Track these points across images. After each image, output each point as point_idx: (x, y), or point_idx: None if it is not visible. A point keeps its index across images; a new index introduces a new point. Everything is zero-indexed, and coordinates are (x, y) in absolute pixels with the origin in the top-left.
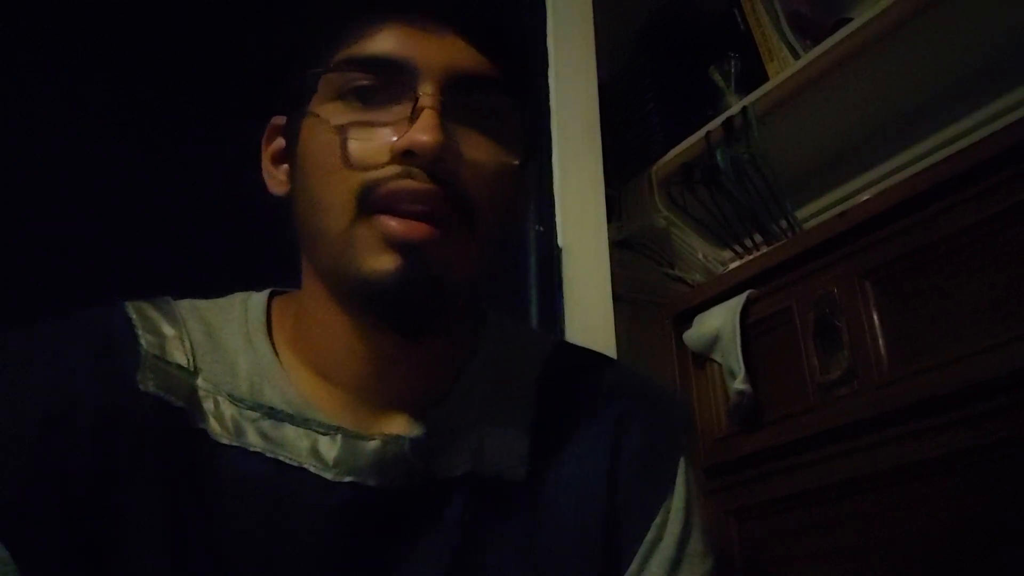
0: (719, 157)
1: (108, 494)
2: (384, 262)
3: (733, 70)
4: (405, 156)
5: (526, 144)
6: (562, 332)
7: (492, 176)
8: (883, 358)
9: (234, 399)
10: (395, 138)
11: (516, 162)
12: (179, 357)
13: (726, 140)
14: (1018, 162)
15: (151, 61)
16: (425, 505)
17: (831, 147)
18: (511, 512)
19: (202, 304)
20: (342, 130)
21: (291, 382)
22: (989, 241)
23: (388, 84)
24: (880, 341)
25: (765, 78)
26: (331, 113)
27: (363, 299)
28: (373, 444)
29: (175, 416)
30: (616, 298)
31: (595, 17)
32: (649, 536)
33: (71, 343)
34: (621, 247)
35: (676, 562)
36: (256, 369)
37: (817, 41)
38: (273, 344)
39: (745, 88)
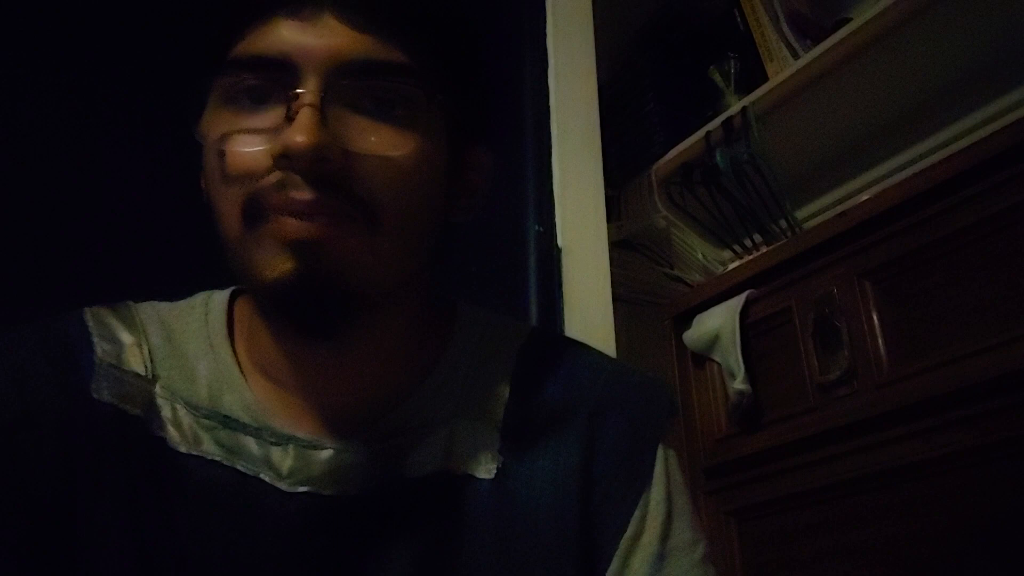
0: (719, 157)
1: (69, 503)
2: (279, 266)
3: (733, 70)
4: (283, 160)
5: (462, 131)
6: (562, 332)
7: (399, 169)
8: (883, 358)
9: (191, 407)
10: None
11: (432, 150)
12: (136, 365)
13: (726, 140)
14: (1018, 162)
15: (126, 58)
16: (392, 507)
17: (831, 147)
18: (483, 510)
19: (163, 307)
20: (224, 139)
21: (250, 388)
22: (989, 241)
23: (271, 86)
24: (880, 341)
25: (765, 78)
26: (216, 122)
27: (269, 304)
28: (326, 454)
29: (133, 425)
30: (616, 298)
31: (595, 17)
32: (628, 532)
33: (29, 352)
34: (621, 247)
35: (660, 557)
36: (216, 375)
37: (817, 41)
38: (234, 348)
39: (745, 88)
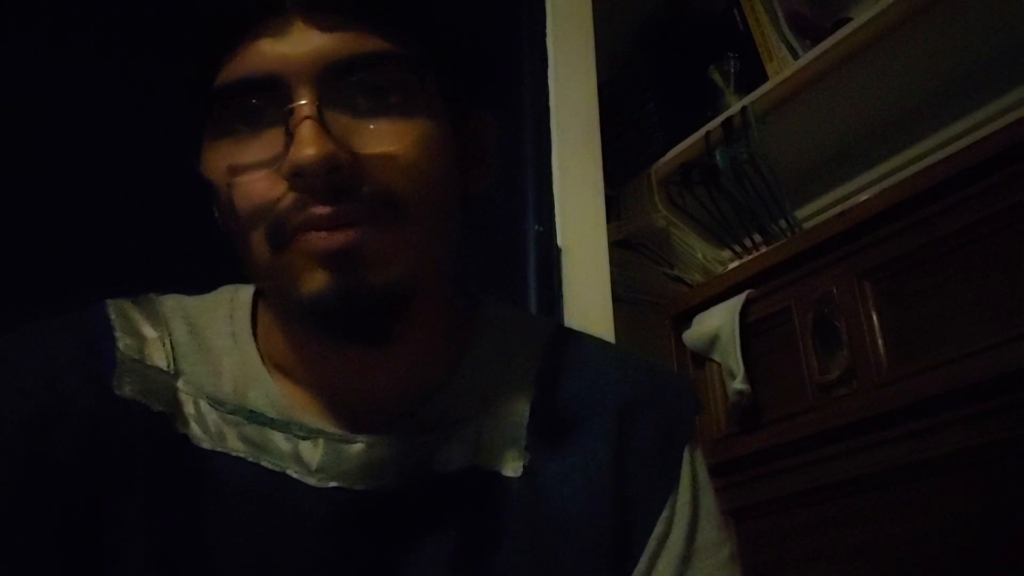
0: (718, 157)
1: (95, 500)
2: (314, 281)
3: (733, 70)
4: (296, 179)
5: (460, 101)
6: None
7: (410, 156)
8: (882, 358)
9: (215, 402)
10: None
11: (436, 129)
12: (159, 360)
13: (725, 140)
14: (1018, 162)
15: (146, 55)
16: (421, 503)
17: (831, 147)
18: (512, 507)
19: (188, 301)
20: (230, 173)
21: (276, 383)
22: (989, 241)
23: (264, 106)
24: (879, 341)
25: (764, 78)
26: (218, 156)
27: (307, 319)
28: (357, 447)
29: (156, 421)
30: (616, 298)
31: (595, 17)
32: (657, 532)
33: (57, 346)
34: (621, 247)
35: (685, 558)
36: (241, 370)
37: (817, 41)
38: (259, 343)
39: (745, 88)
